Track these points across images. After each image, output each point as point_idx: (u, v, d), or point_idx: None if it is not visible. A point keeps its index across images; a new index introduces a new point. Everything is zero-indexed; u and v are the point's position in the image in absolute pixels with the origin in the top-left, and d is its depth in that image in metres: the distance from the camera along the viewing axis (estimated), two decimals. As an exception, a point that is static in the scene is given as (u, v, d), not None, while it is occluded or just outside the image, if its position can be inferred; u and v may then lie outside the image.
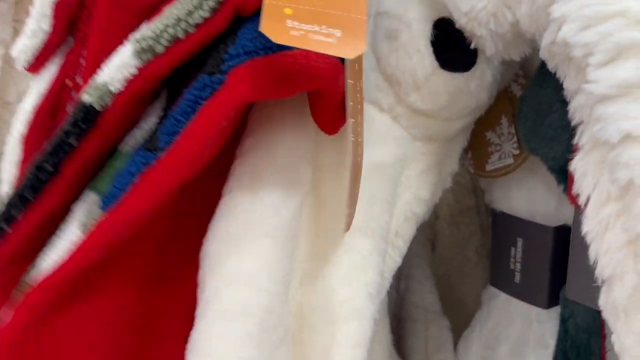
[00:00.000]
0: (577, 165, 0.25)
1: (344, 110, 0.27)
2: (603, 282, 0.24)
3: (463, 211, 0.59)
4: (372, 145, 0.31)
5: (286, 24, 0.25)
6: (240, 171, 0.29)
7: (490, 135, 0.39)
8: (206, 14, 0.26)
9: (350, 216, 0.29)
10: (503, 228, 0.42)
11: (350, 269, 0.30)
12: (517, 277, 0.41)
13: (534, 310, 0.41)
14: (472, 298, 0.53)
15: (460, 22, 0.29)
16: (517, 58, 0.30)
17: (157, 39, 0.26)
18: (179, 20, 0.26)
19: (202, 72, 0.27)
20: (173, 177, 0.26)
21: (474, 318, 0.46)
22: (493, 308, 0.44)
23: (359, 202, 0.29)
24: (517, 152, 0.38)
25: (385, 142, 0.32)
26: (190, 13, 0.26)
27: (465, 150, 0.41)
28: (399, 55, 0.31)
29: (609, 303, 0.24)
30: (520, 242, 0.41)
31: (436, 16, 0.32)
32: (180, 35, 0.26)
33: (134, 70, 0.26)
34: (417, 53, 0.31)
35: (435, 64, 0.31)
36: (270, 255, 0.28)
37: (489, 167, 0.40)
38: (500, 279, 0.43)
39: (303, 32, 0.25)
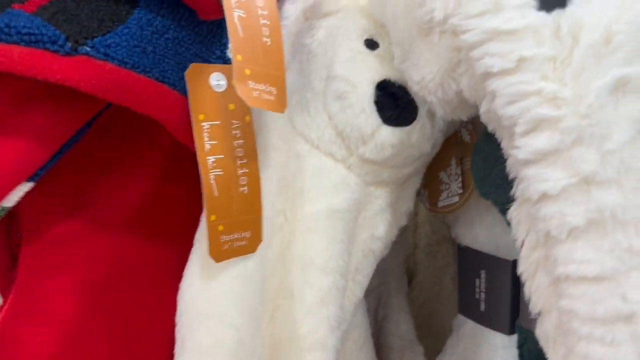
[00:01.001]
0: (513, 215, 0.29)
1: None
2: (537, 315, 0.29)
3: (440, 242, 0.63)
4: (330, 193, 0.35)
5: (248, 85, 0.30)
6: None
7: (442, 175, 0.44)
8: None
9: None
10: (467, 261, 0.46)
11: (312, 304, 0.34)
12: (482, 306, 0.46)
13: (498, 337, 0.45)
14: (450, 324, 0.56)
15: (413, 89, 0.34)
16: (464, 118, 0.34)
17: None
18: None
19: (64, 31, 0.28)
20: None
21: (446, 344, 0.50)
22: (462, 335, 0.48)
23: (320, 244, 0.33)
24: (461, 191, 0.42)
25: (341, 190, 0.37)
26: None
27: (423, 187, 0.45)
28: (348, 114, 0.36)
29: (542, 333, 0.29)
30: (483, 274, 0.45)
31: (379, 78, 0.37)
32: None
33: None
34: (362, 112, 0.36)
35: (379, 120, 0.36)
36: (240, 294, 0.32)
37: (439, 204, 0.44)
38: (468, 308, 0.47)
39: (258, 92, 0.31)
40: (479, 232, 0.45)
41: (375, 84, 0.37)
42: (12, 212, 0.34)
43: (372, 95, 0.36)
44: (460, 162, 0.43)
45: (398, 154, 0.38)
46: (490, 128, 0.30)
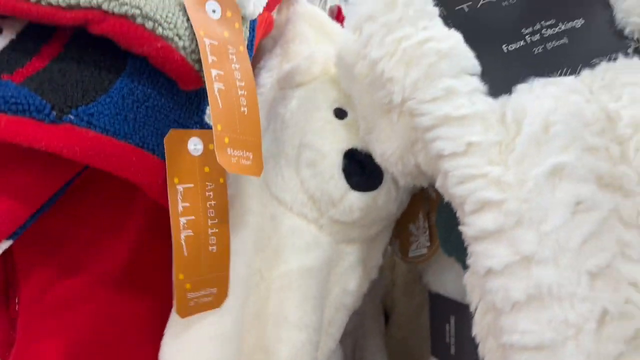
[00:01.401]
0: (467, 281, 0.32)
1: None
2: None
3: (416, 280, 0.66)
4: (302, 252, 0.38)
5: (227, 152, 0.33)
6: None
7: (411, 227, 0.47)
8: (62, 4, 0.30)
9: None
10: (438, 307, 0.49)
11: (287, 359, 0.36)
12: (452, 350, 0.48)
13: (467, 379, 0.47)
14: (428, 360, 0.59)
15: (377, 160, 0.37)
16: (425, 185, 0.37)
17: None
18: None
19: (49, 100, 0.30)
20: None
21: (419, 384, 0.52)
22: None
23: (294, 301, 0.36)
24: (429, 244, 0.45)
25: (313, 249, 0.40)
26: None
27: (395, 237, 0.48)
28: (318, 180, 0.39)
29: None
30: (452, 319, 0.48)
31: (347, 147, 0.40)
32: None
33: None
34: (331, 178, 0.39)
35: (347, 186, 0.39)
36: (217, 353, 0.35)
37: (410, 255, 0.47)
38: (439, 350, 0.49)
39: (236, 158, 0.33)
40: (447, 280, 0.47)
41: (343, 152, 0.39)
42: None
43: (340, 164, 0.39)
44: (427, 217, 0.46)
45: (366, 216, 0.41)
46: (446, 198, 0.33)
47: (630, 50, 0.32)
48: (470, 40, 0.33)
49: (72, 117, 0.30)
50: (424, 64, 0.32)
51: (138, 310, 0.39)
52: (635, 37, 0.32)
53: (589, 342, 0.27)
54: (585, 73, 0.31)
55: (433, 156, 0.31)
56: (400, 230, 0.49)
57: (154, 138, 0.34)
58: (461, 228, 0.30)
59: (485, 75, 0.33)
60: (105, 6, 0.30)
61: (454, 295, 0.47)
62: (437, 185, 0.32)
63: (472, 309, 0.32)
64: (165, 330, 0.35)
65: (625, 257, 0.27)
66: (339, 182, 0.39)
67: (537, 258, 0.27)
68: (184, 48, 0.32)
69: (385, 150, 0.36)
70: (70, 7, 0.30)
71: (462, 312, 0.47)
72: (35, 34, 0.32)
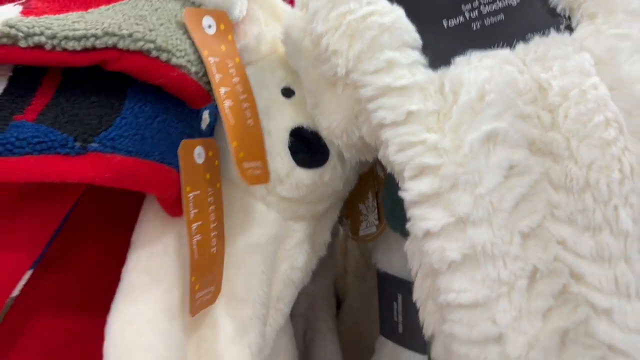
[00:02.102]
0: (408, 248, 0.33)
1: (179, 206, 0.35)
2: (430, 338, 0.32)
3: (368, 266, 0.67)
4: (250, 228, 0.38)
5: (244, 166, 0.35)
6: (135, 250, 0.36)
7: (361, 206, 0.48)
8: (78, 48, 0.30)
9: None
10: (386, 285, 0.50)
11: (234, 333, 0.37)
12: (400, 328, 0.49)
13: (415, 357, 0.48)
14: (377, 344, 0.59)
15: (323, 134, 0.38)
16: (370, 159, 0.38)
17: (25, 36, 0.29)
18: (54, 36, 0.29)
19: (70, 133, 0.30)
20: None
21: (369, 364, 0.53)
22: (382, 355, 0.51)
23: (240, 276, 0.36)
24: (377, 222, 0.46)
25: (261, 225, 0.40)
26: (67, 39, 0.29)
27: (346, 217, 0.49)
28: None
29: (435, 355, 0.32)
30: (400, 298, 0.49)
31: (293, 125, 0.41)
32: (47, 48, 0.29)
33: None
34: (278, 156, 0.39)
35: (293, 163, 0.40)
36: (165, 327, 0.35)
37: (360, 233, 0.48)
38: (387, 329, 0.50)
39: (250, 170, 0.35)
40: (395, 258, 0.48)
41: (289, 130, 0.40)
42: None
43: (287, 141, 0.40)
44: (376, 196, 0.47)
45: (312, 192, 0.42)
46: (388, 169, 0.34)
47: (562, 27, 0.33)
48: (412, 15, 0.34)
49: (95, 145, 0.30)
50: (367, 37, 0.32)
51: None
52: (567, 14, 0.34)
53: (520, 298, 0.28)
54: (520, 47, 0.32)
55: (375, 126, 0.32)
56: (351, 210, 0.50)
57: (170, 152, 0.34)
58: (400, 194, 0.31)
59: (426, 49, 0.34)
60: (120, 45, 0.31)
61: (401, 274, 0.48)
62: (380, 155, 0.33)
63: (412, 275, 0.33)
64: (112, 304, 0.35)
65: (554, 217, 0.29)
66: (285, 159, 0.40)
67: (472, 219, 0.28)
68: (196, 73, 0.34)
69: (331, 123, 0.36)
70: (86, 50, 0.30)
71: (409, 290, 0.48)
72: (30, 67, 0.32)
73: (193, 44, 0.34)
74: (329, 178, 0.42)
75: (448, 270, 0.29)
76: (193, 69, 0.34)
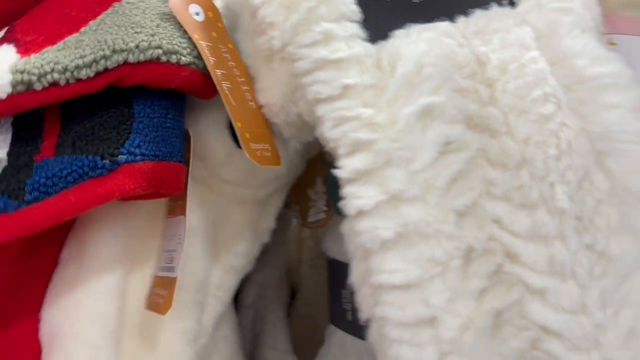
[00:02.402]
0: (344, 230, 0.32)
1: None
2: (365, 322, 0.31)
3: (322, 256, 0.65)
4: (189, 212, 0.37)
5: (251, 146, 0.34)
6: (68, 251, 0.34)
7: (310, 192, 0.47)
8: (91, 74, 0.30)
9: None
10: (335, 273, 0.49)
11: (169, 318, 0.35)
12: (349, 316, 0.48)
13: (362, 345, 0.47)
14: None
15: (262, 111, 0.36)
16: (310, 139, 0.37)
17: (39, 77, 0.28)
18: (65, 70, 0.29)
19: (93, 151, 0.30)
20: (28, 230, 0.29)
21: (318, 353, 0.52)
22: (332, 343, 0.50)
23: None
24: (326, 208, 0.45)
25: (200, 208, 0.38)
26: (78, 68, 0.29)
27: (296, 203, 0.48)
28: (203, 139, 0.38)
29: (371, 339, 0.31)
30: (348, 285, 0.47)
31: None
32: (62, 83, 0.29)
33: (3, 96, 0.28)
34: (218, 137, 0.37)
35: (232, 145, 0.38)
36: (107, 310, 0.33)
37: (309, 220, 0.47)
38: (337, 318, 0.49)
39: (260, 151, 0.34)
40: (343, 244, 0.47)
41: None
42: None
43: (225, 122, 0.38)
44: (325, 182, 0.45)
45: (253, 176, 0.40)
46: (327, 149, 0.33)
47: (505, 2, 0.33)
48: (352, -13, 0.32)
49: (124, 156, 0.30)
50: (303, 8, 0.31)
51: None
52: (510, -11, 0.33)
53: (454, 278, 0.27)
54: (461, 20, 0.31)
55: (311, 101, 0.31)
56: (300, 196, 0.49)
57: (182, 148, 0.34)
58: (335, 172, 0.29)
59: (367, 23, 0.32)
60: (130, 59, 0.31)
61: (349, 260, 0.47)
62: (317, 133, 0.32)
63: (349, 257, 0.32)
64: (48, 292, 0.33)
65: (490, 195, 0.28)
66: (225, 141, 0.38)
67: (406, 196, 0.27)
68: (204, 68, 0.34)
69: (269, 100, 0.35)
70: (99, 74, 0.30)
71: (357, 277, 0.47)
72: None
73: (191, 38, 0.34)
74: None
75: (380, 249, 0.28)
76: (201, 65, 0.34)
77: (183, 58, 0.33)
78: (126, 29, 0.32)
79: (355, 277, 0.31)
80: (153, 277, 0.36)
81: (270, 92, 0.35)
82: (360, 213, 0.28)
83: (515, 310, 0.27)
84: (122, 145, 0.30)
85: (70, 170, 0.29)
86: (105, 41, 0.31)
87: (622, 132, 0.28)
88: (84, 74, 0.29)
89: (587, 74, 0.29)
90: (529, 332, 0.26)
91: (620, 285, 0.27)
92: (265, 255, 0.51)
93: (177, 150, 0.34)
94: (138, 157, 0.31)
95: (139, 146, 0.31)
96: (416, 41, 0.30)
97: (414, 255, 0.27)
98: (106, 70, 0.30)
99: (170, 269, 0.35)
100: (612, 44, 0.36)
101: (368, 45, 0.31)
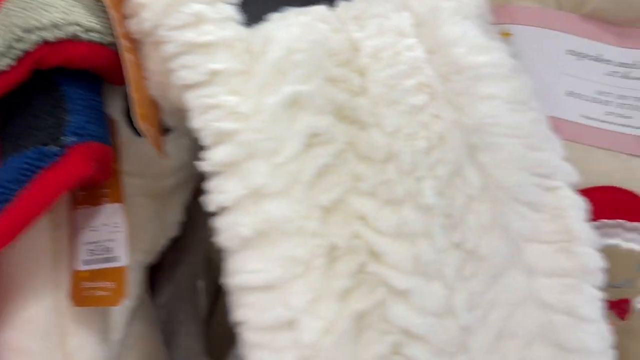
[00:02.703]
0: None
1: None
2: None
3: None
4: None
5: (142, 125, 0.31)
6: None
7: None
8: (12, 63, 0.28)
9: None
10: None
11: (81, 317, 0.33)
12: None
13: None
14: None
15: None
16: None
17: None
18: None
19: (35, 143, 0.29)
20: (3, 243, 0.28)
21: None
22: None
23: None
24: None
25: None
26: None
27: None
28: None
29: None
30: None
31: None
32: None
33: None
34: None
35: (130, 132, 0.36)
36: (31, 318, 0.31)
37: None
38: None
39: (147, 130, 0.32)
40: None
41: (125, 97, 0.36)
42: None
43: (124, 109, 0.36)
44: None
45: (155, 164, 0.38)
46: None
47: (391, -14, 0.31)
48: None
49: (70, 138, 0.29)
50: (174, -12, 0.29)
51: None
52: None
53: (317, 279, 0.25)
54: (342, 4, 0.30)
55: (180, 88, 0.29)
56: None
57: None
58: (199, 164, 0.27)
59: (245, 6, 0.31)
60: (48, 37, 0.29)
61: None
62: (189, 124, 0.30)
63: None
64: None
65: (357, 190, 0.26)
66: (123, 127, 0.36)
67: (268, 191, 0.26)
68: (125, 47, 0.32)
69: (151, 87, 0.33)
70: (19, 60, 0.29)
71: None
72: None
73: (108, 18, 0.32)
74: (172, 148, 0.38)
75: (241, 248, 0.26)
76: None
77: (103, 37, 0.31)
78: (36, 10, 0.30)
79: (226, 278, 0.29)
80: (74, 272, 0.33)
81: (150, 79, 0.33)
82: (222, 209, 0.27)
83: (377, 312, 0.25)
84: (64, 128, 0.29)
85: (19, 169, 0.28)
86: (15, 24, 0.29)
87: (497, 125, 0.27)
88: (4, 64, 0.28)
89: (465, 63, 0.28)
90: (391, 337, 0.25)
91: (490, 286, 0.26)
92: (180, 252, 0.49)
93: (108, 132, 0.32)
94: (85, 138, 0.29)
95: (83, 127, 0.30)
96: (290, 25, 0.28)
97: (275, 254, 0.26)
98: (25, 53, 0.29)
99: (111, 260, 0.34)
100: (507, 34, 0.35)
101: (241, 28, 0.29)
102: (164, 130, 0.37)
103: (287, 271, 0.25)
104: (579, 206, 0.28)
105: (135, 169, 0.38)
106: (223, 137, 0.27)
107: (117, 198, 0.34)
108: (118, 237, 0.34)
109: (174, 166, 0.40)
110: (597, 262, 0.27)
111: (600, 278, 0.27)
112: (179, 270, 0.53)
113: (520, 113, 0.27)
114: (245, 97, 0.27)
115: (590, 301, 0.26)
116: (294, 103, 0.27)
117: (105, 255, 0.34)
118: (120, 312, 0.39)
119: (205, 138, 0.27)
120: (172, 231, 0.44)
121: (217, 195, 0.27)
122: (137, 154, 0.37)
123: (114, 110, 0.37)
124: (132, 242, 0.39)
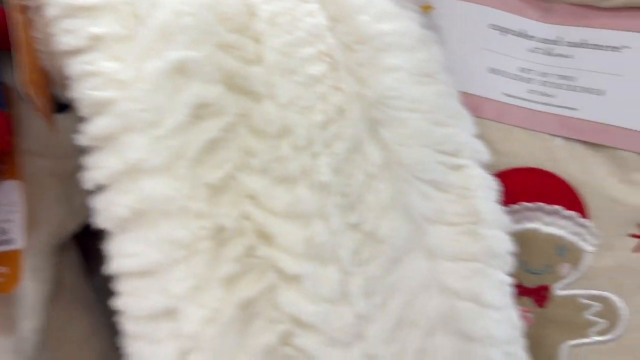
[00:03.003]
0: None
1: None
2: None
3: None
4: None
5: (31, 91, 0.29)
6: None
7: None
8: None
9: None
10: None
11: None
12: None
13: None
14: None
15: None
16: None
17: None
18: None
19: None
20: None
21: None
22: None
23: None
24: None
25: None
26: None
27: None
28: None
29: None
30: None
31: None
32: None
33: None
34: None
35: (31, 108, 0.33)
36: None
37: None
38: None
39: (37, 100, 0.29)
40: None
41: None
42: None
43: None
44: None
45: (57, 144, 0.35)
46: None
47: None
48: None
49: None
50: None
51: None
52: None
53: (201, 263, 0.23)
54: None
55: (60, 55, 0.26)
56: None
57: None
58: (76, 137, 0.25)
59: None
60: None
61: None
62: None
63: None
64: None
65: (248, 167, 0.24)
66: (23, 102, 0.33)
67: (146, 167, 0.23)
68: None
69: (40, 56, 0.30)
70: None
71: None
72: None
73: None
74: (71, 124, 0.35)
75: (118, 230, 0.24)
76: None
77: None
78: None
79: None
80: None
81: (39, 47, 0.30)
82: (99, 187, 0.24)
83: (266, 300, 0.23)
84: None
85: None
86: None
87: (399, 98, 0.25)
88: None
89: (369, 31, 0.26)
90: (281, 326, 0.23)
91: (389, 271, 0.24)
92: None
93: (3, 98, 0.30)
94: None
95: None
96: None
97: (154, 237, 0.23)
98: None
99: (6, 242, 0.31)
100: (428, 7, 0.33)
101: (130, -9, 0.27)
102: (63, 107, 0.35)
103: (167, 255, 0.23)
104: (488, 186, 0.26)
105: (39, 147, 0.35)
106: (101, 107, 0.24)
107: (15, 174, 0.32)
108: (15, 217, 0.32)
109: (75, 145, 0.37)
110: (505, 245, 0.25)
111: (508, 262, 0.26)
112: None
113: (425, 86, 0.25)
114: (127, 64, 0.25)
115: (497, 287, 0.25)
116: (180, 70, 0.24)
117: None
118: (32, 298, 0.36)
119: (83, 109, 0.25)
120: (82, 214, 0.41)
121: (93, 172, 0.24)
122: (40, 132, 0.34)
123: (10, 79, 0.34)
124: (39, 224, 0.37)
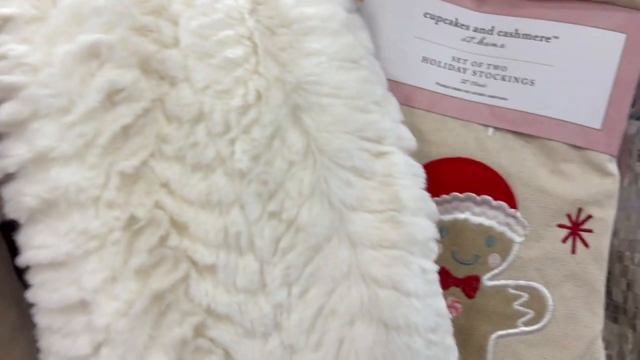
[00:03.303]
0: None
1: None
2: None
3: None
4: None
5: None
6: None
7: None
8: None
9: None
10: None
11: None
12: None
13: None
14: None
15: None
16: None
17: None
18: None
19: None
20: None
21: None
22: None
23: None
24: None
25: None
26: None
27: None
28: None
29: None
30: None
31: None
32: None
33: None
34: None
35: None
36: None
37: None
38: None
39: None
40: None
41: None
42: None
43: None
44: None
45: None
46: None
47: None
48: None
49: None
50: None
51: None
52: None
53: (114, 254, 0.23)
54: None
55: None
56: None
57: None
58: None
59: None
60: None
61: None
62: None
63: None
64: None
65: (162, 154, 0.24)
66: None
67: (56, 155, 0.23)
68: None
69: None
70: None
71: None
72: None
73: None
74: None
75: (28, 221, 0.23)
76: None
77: None
78: None
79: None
80: None
81: None
82: (7, 176, 0.23)
83: (180, 291, 0.23)
84: None
85: None
86: None
87: (320, 84, 0.24)
88: None
89: (292, 15, 0.25)
90: (194, 318, 0.23)
91: (309, 260, 0.24)
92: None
93: None
94: None
95: None
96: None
97: (65, 228, 0.23)
98: None
99: None
100: (361, -5, 0.32)
101: (43, -29, 0.26)
102: None
103: (78, 246, 0.23)
104: (413, 173, 0.26)
105: None
106: (8, 92, 0.23)
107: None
108: None
109: None
110: (427, 232, 0.25)
111: (433, 250, 0.26)
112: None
113: (348, 72, 0.25)
114: (35, 47, 0.24)
115: (419, 275, 0.25)
116: (92, 54, 0.23)
117: None
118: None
119: None
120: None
121: (1, 160, 0.23)
122: None
123: None
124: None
